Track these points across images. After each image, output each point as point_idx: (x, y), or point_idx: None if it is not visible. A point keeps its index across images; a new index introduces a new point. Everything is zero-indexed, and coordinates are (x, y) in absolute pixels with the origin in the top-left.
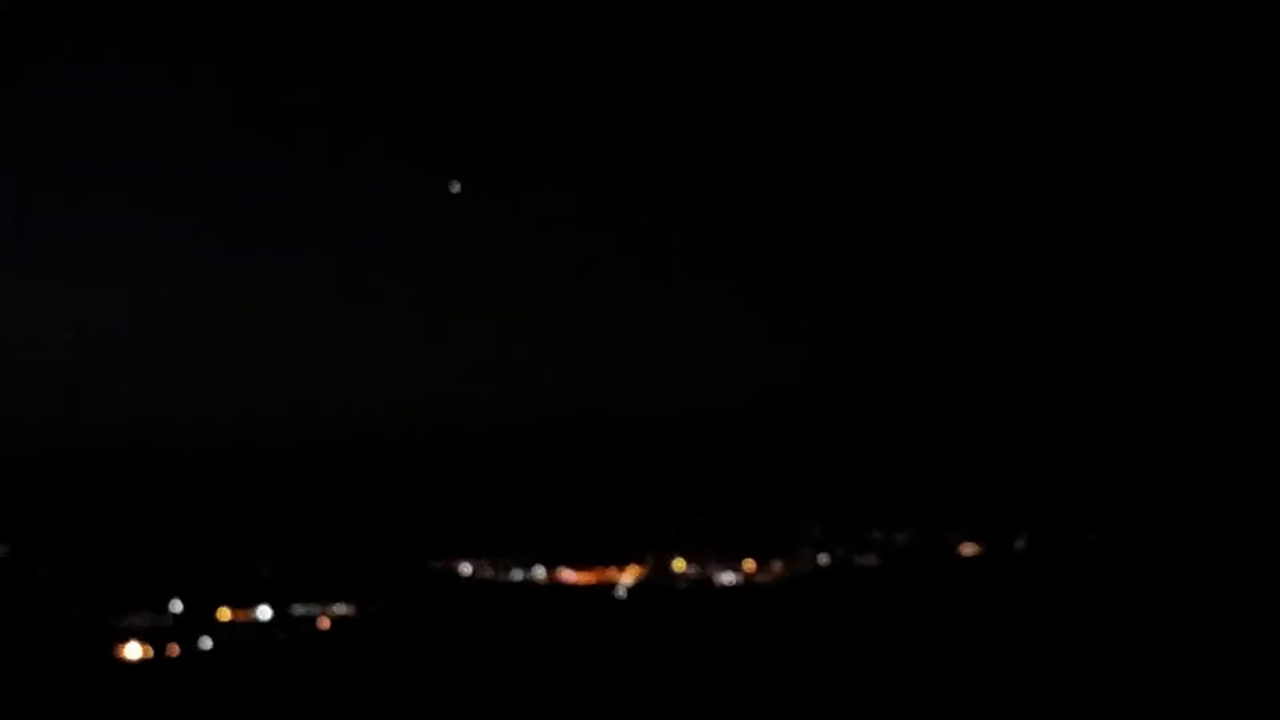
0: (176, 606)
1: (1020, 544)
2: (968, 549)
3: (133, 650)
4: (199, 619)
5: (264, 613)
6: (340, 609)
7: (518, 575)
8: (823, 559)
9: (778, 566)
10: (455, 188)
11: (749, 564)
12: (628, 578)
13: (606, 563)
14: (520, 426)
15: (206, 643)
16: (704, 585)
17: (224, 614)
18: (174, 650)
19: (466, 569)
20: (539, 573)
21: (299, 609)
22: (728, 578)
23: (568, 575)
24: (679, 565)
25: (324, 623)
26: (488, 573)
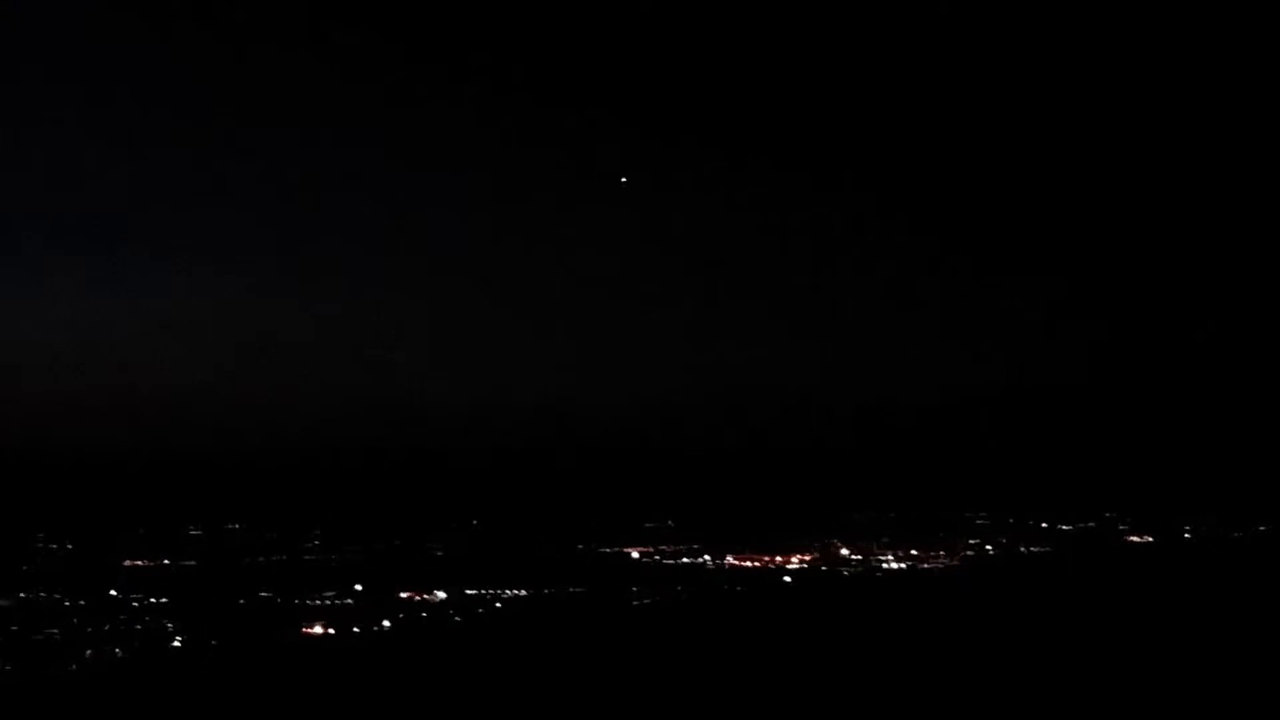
0: (358, 588)
1: (1190, 533)
2: (1137, 538)
3: (316, 628)
4: (380, 600)
5: (440, 594)
6: (514, 591)
7: (685, 560)
8: (990, 547)
9: (943, 554)
10: (624, 180)
11: (915, 551)
12: (794, 563)
13: (774, 550)
14: (698, 419)
15: (385, 623)
16: (870, 571)
17: (404, 595)
18: (355, 629)
19: (634, 554)
20: (706, 558)
21: (475, 591)
22: (893, 564)
23: (735, 560)
24: (846, 552)
25: (498, 604)
26: (656, 558)
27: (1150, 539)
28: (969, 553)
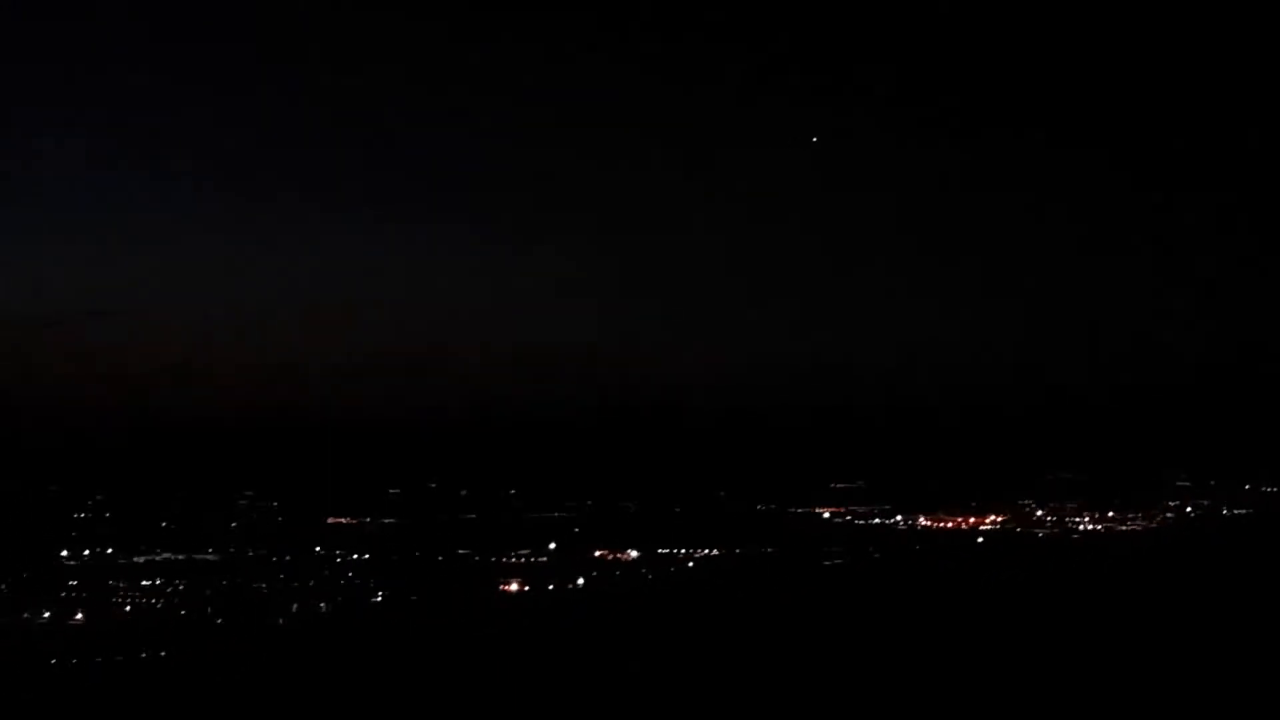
0: (553, 546)
1: None
2: None
3: (512, 585)
4: (574, 558)
5: (633, 553)
6: (706, 550)
7: (876, 520)
8: (1190, 509)
9: (1141, 516)
10: (814, 140)
11: (1112, 513)
12: (986, 525)
13: (966, 511)
14: (892, 380)
15: (579, 580)
16: (1065, 533)
17: (598, 554)
18: (550, 586)
19: (825, 515)
20: (898, 519)
21: (667, 550)
22: (1088, 526)
23: (927, 521)
24: (1040, 514)
25: (690, 563)
26: (847, 518)
27: None
28: (1168, 515)
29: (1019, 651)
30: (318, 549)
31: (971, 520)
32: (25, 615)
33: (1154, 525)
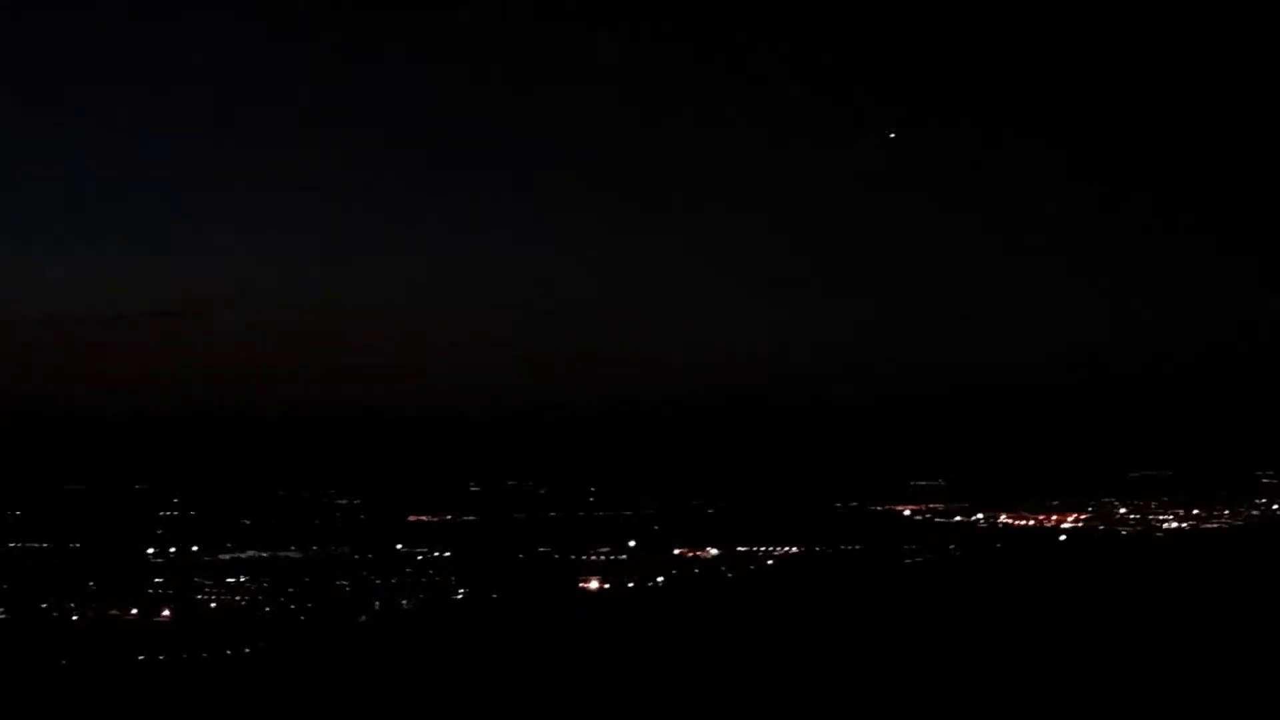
0: (632, 544)
1: None
2: None
3: (592, 583)
4: (654, 555)
5: (713, 551)
6: (786, 548)
7: (957, 518)
8: (1278, 506)
9: (1227, 513)
10: (890, 135)
11: (1197, 510)
12: (1068, 522)
13: (1048, 508)
14: (971, 378)
15: (659, 578)
16: (1149, 531)
17: (677, 552)
18: (630, 584)
19: (906, 512)
20: (979, 516)
21: (747, 548)
22: (1172, 524)
23: (1008, 519)
24: (1123, 511)
25: (769, 561)
26: (927, 516)
27: None
28: (1255, 512)
29: (1107, 650)
30: (399, 546)
31: (1053, 518)
32: (113, 612)
33: (1240, 522)
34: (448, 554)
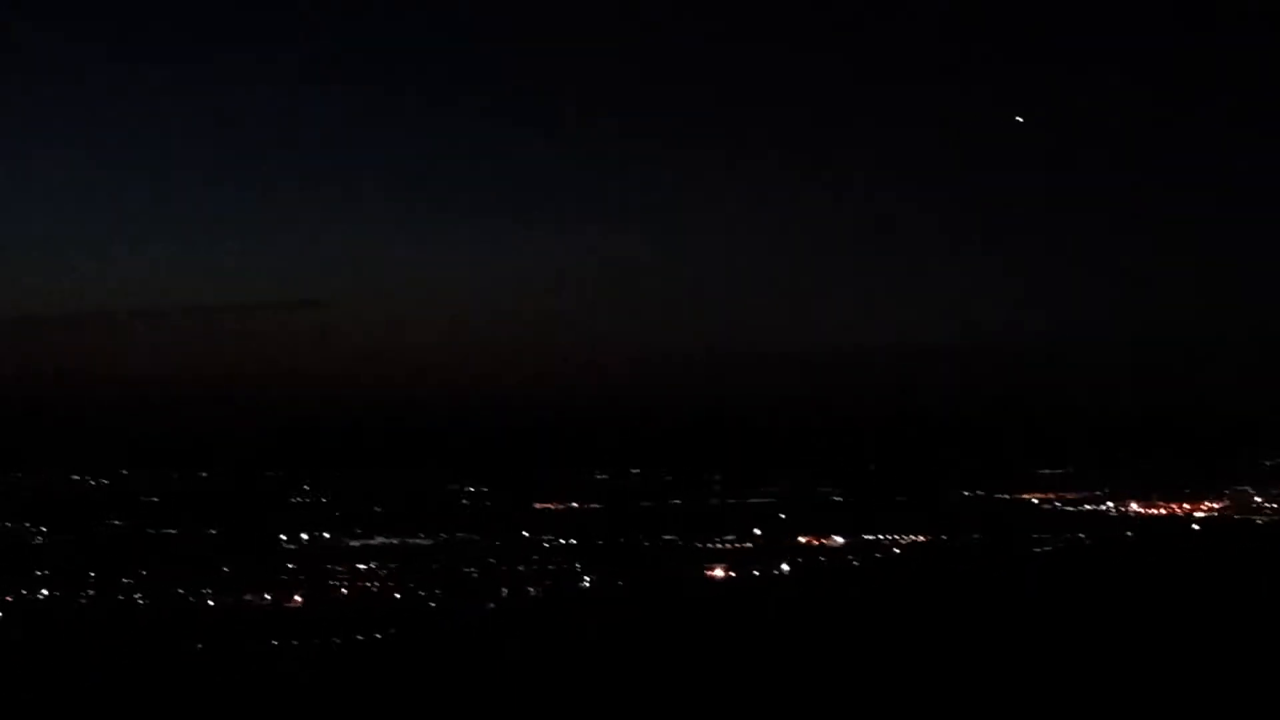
0: (757, 532)
1: None
2: None
3: (717, 571)
4: (779, 544)
5: (838, 539)
6: (912, 536)
7: (1086, 506)
8: None
9: None
10: (1019, 119)
11: None
12: (1202, 511)
13: (1181, 497)
14: (1103, 364)
15: (784, 566)
16: None
17: (802, 540)
18: (755, 572)
19: (1034, 500)
20: (1109, 505)
21: (872, 537)
22: None
23: (1140, 508)
24: (1260, 500)
25: (896, 549)
26: (1056, 504)
27: None
28: None
29: (1244, 642)
30: (525, 534)
31: (1186, 507)
32: (247, 597)
33: None
34: (574, 541)
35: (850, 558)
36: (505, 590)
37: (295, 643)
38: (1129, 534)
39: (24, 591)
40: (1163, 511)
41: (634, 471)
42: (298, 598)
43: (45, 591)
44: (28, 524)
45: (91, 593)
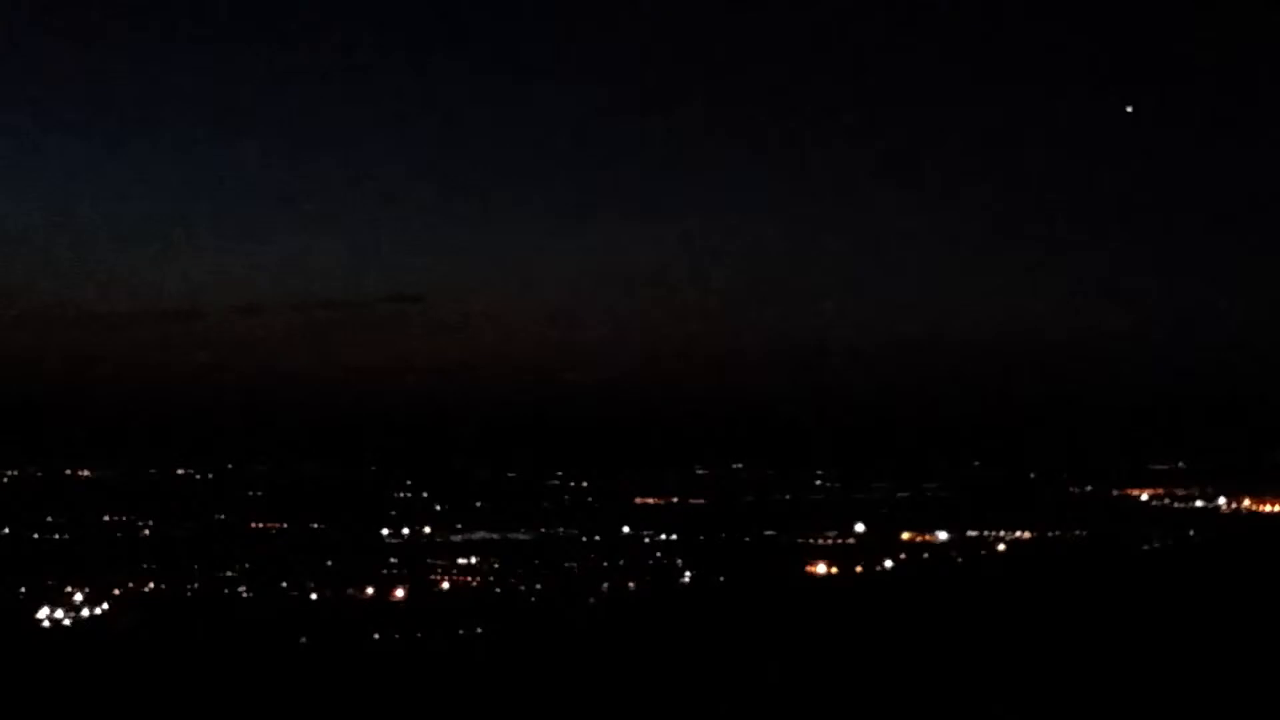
0: (860, 528)
1: None
2: None
3: (819, 567)
4: (882, 540)
5: (942, 535)
6: (1017, 533)
7: (1198, 503)
8: None
9: None
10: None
11: None
12: None
13: None
14: (1205, 359)
15: (887, 563)
16: None
17: (905, 536)
18: (857, 569)
19: (1143, 497)
20: (1220, 501)
21: (976, 533)
22: None
23: (1252, 504)
24: None
25: (1001, 546)
26: (1165, 501)
27: None
28: None
29: None
30: (625, 529)
31: None
32: (349, 591)
33: None
34: (674, 537)
35: (954, 554)
36: (605, 584)
37: (397, 636)
38: (1240, 531)
39: (131, 584)
40: (1277, 508)
41: (736, 466)
42: (400, 591)
43: (152, 584)
44: (135, 518)
45: (196, 585)
